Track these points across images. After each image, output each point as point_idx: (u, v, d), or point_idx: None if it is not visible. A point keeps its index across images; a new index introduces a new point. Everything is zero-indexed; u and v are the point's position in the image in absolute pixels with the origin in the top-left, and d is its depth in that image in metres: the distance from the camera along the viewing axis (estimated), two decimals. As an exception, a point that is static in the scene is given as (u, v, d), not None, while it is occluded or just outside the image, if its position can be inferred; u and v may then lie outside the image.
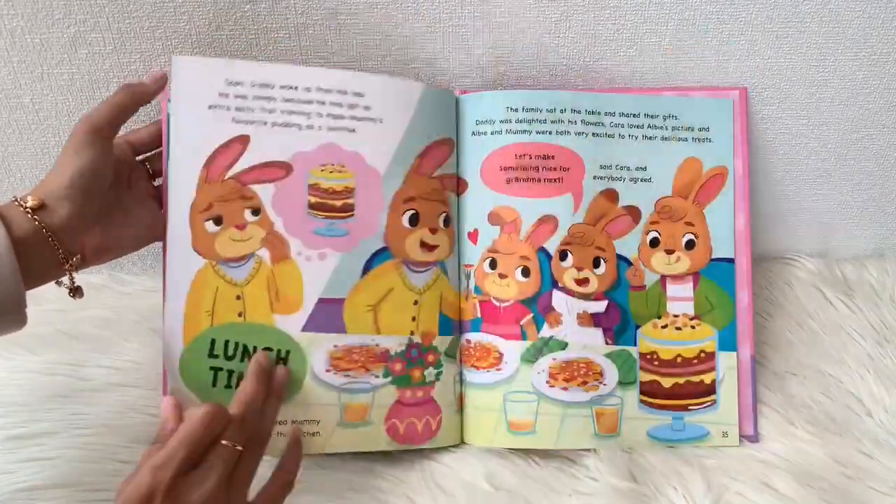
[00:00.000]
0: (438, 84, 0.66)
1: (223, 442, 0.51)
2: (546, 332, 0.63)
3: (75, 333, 0.69)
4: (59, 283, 0.57)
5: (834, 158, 0.70)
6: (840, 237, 0.75)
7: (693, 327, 0.64)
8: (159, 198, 0.63)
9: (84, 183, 0.55)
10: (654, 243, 0.64)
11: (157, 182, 0.65)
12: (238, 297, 0.60)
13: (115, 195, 0.58)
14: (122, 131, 0.66)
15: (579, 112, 0.63)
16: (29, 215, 0.53)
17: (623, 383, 0.63)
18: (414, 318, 0.62)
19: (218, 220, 0.60)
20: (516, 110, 0.63)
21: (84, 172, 0.55)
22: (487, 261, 0.63)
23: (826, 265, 0.74)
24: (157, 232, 0.63)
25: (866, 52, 0.65)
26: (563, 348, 0.63)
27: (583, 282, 0.63)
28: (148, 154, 0.62)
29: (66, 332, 0.69)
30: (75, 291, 0.57)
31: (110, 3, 0.61)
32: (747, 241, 0.65)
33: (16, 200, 0.54)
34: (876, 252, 0.76)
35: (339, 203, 0.60)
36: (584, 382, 0.63)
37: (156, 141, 0.63)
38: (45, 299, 0.68)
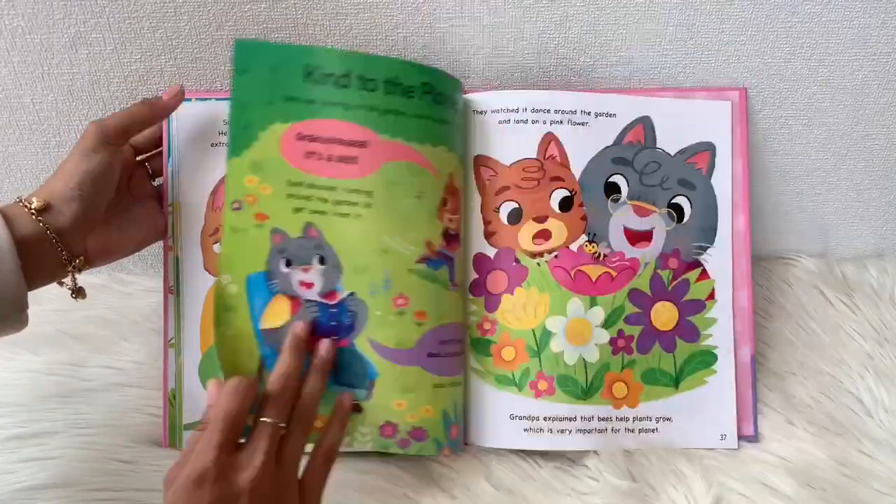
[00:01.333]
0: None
1: (264, 419, 0.50)
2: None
3: (75, 333, 0.69)
4: (61, 284, 0.57)
5: (834, 158, 0.70)
6: (840, 237, 0.75)
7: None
8: (159, 198, 0.64)
9: (91, 186, 0.55)
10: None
11: (156, 182, 0.65)
12: None
13: (117, 197, 0.59)
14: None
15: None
16: (34, 216, 0.53)
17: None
18: None
19: None
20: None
21: (92, 176, 0.55)
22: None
23: (826, 265, 0.74)
24: (159, 232, 0.63)
25: (866, 52, 0.65)
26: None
27: None
28: (148, 154, 0.62)
29: (66, 332, 0.69)
30: (77, 292, 0.57)
31: (110, 3, 0.61)
32: (747, 241, 0.65)
33: (20, 201, 0.54)
34: (876, 252, 0.76)
35: None
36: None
37: (156, 141, 0.63)
38: (45, 299, 0.68)
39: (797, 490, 0.60)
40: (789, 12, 0.63)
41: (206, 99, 0.64)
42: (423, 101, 0.57)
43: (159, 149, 0.63)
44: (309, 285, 0.57)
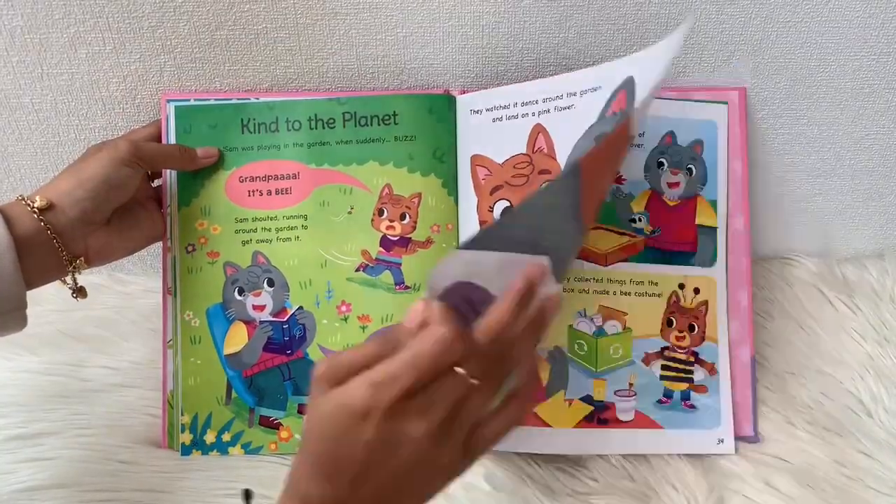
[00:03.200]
0: (437, 85, 0.66)
1: (457, 369, 0.41)
2: None
3: (75, 333, 0.69)
4: (64, 282, 0.57)
5: (834, 158, 0.70)
6: (840, 237, 0.75)
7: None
8: (158, 199, 0.64)
9: (106, 195, 0.56)
10: None
11: (155, 183, 0.65)
12: None
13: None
14: (120, 132, 0.66)
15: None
16: (35, 216, 0.53)
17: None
18: None
19: None
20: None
21: (110, 186, 0.56)
22: None
23: (826, 265, 0.74)
24: (158, 232, 0.63)
25: (866, 52, 0.65)
26: None
27: None
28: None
29: (66, 332, 0.69)
30: (78, 292, 0.57)
31: (110, 3, 0.61)
32: (747, 242, 0.65)
33: (22, 199, 0.53)
34: (876, 252, 0.76)
35: None
36: None
37: (155, 141, 0.63)
38: (45, 299, 0.68)
39: (797, 490, 0.60)
40: (789, 12, 0.63)
41: (205, 100, 0.64)
42: (346, 128, 0.63)
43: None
44: (261, 308, 0.64)
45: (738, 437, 0.64)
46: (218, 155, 0.64)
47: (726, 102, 0.65)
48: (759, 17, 0.63)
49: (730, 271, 0.65)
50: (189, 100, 0.64)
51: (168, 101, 0.64)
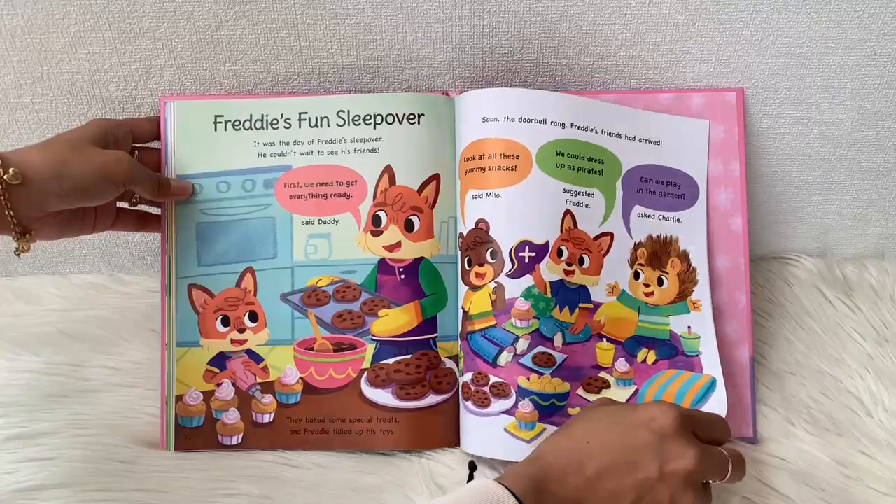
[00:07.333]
0: (437, 85, 0.66)
1: (723, 450, 0.54)
2: None
3: (75, 333, 0.69)
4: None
5: (834, 158, 0.70)
6: (840, 237, 0.75)
7: None
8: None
9: (79, 201, 0.54)
10: None
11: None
12: None
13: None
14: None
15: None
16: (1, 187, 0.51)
17: None
18: None
19: None
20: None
21: (88, 196, 0.54)
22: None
23: (826, 265, 0.74)
24: (105, 227, 0.62)
25: (866, 52, 0.65)
26: None
27: None
28: (145, 144, 0.63)
29: (66, 332, 0.69)
30: (22, 251, 0.56)
31: (110, 3, 0.61)
32: (745, 242, 0.65)
33: None
34: (876, 252, 0.76)
35: None
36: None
37: (154, 136, 0.63)
38: (45, 299, 0.68)
39: (797, 490, 0.60)
40: (789, 12, 0.63)
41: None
42: None
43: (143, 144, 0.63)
44: None
45: (738, 438, 0.64)
46: (191, 191, 0.63)
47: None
48: (758, 17, 0.63)
49: (728, 272, 0.65)
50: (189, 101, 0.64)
51: (167, 102, 0.64)
